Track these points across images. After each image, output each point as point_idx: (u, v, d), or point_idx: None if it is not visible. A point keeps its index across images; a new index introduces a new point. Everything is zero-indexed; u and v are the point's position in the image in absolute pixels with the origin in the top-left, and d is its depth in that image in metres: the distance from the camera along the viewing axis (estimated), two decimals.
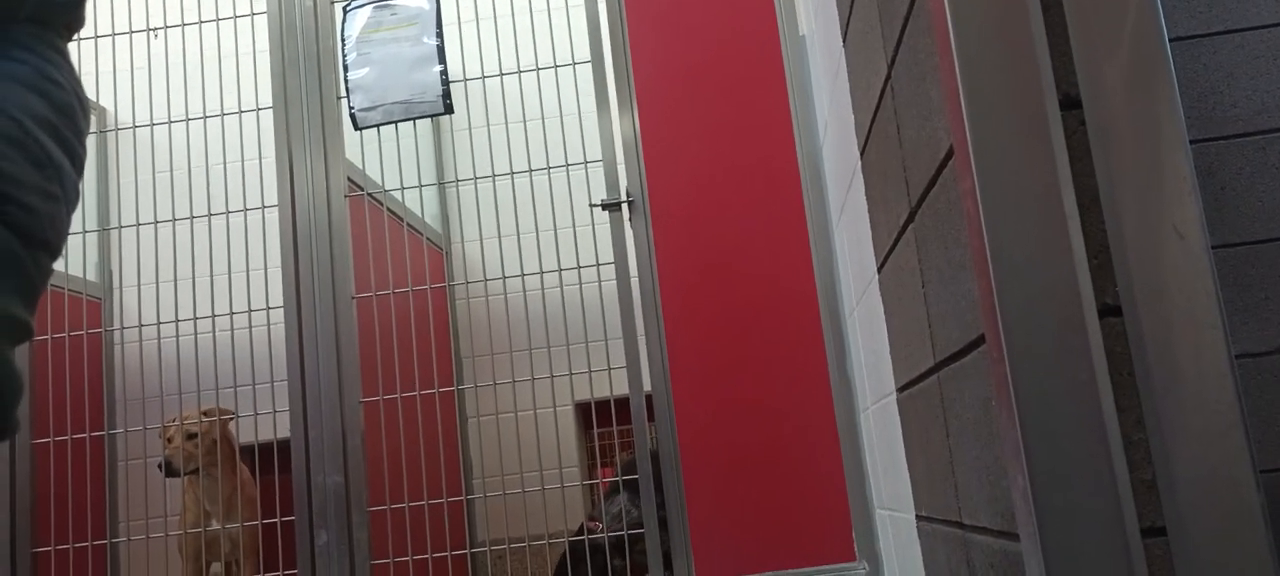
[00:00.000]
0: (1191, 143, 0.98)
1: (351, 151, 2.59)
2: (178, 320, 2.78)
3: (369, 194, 2.71)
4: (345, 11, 2.54)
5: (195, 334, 2.69)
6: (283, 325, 2.44)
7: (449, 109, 2.48)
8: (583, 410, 3.53)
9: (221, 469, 2.80)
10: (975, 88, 0.84)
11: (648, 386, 2.32)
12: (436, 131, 3.67)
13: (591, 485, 3.44)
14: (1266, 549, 0.74)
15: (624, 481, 2.64)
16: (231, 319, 2.63)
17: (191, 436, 2.76)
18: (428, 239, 3.30)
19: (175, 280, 2.89)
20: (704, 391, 2.27)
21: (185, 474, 2.77)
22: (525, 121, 3.02)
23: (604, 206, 2.39)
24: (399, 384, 2.66)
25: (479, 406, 3.48)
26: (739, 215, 2.33)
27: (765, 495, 2.23)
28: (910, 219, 1.21)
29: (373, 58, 2.47)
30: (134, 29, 2.76)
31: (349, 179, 2.54)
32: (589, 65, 2.45)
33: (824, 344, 2.25)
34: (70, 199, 0.86)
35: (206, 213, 2.79)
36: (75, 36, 0.94)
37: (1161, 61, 0.80)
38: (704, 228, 2.33)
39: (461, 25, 3.39)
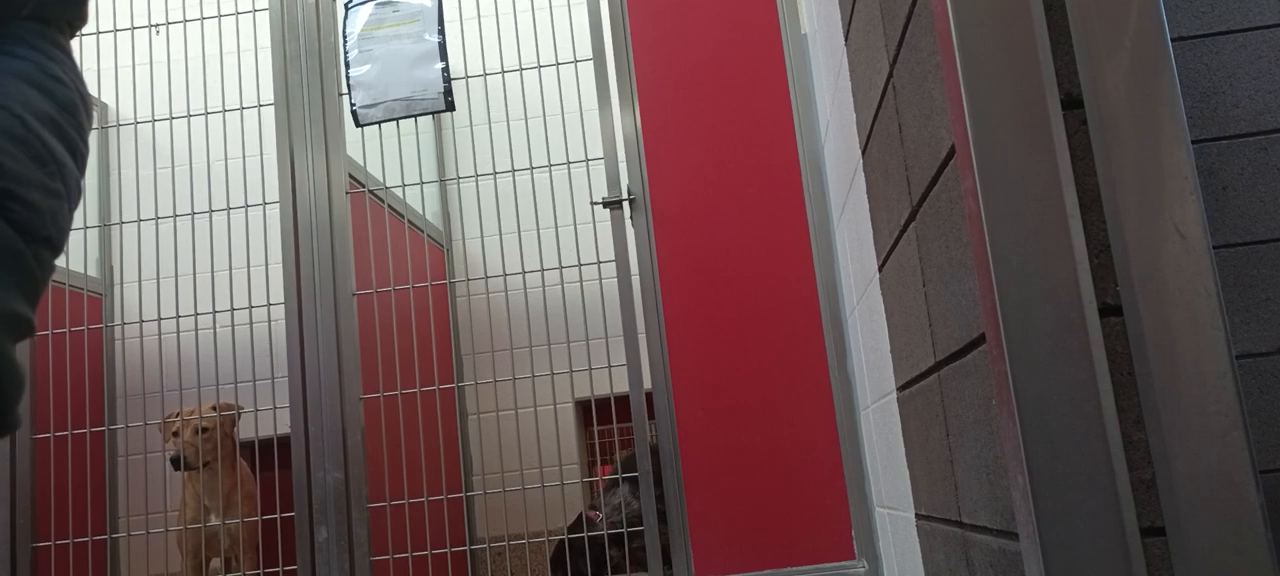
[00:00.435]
0: (1193, 142, 0.98)
1: (353, 148, 2.59)
2: (178, 316, 2.78)
3: (370, 190, 2.71)
4: (347, 8, 2.54)
5: (196, 330, 2.69)
6: (283, 321, 2.44)
7: (450, 106, 2.48)
8: (583, 408, 3.53)
9: (221, 464, 2.81)
10: (977, 87, 0.84)
11: (648, 384, 2.32)
12: (438, 128, 3.67)
13: (591, 483, 3.44)
14: (1265, 549, 0.74)
15: (624, 476, 2.64)
16: (232, 315, 2.63)
17: (203, 431, 2.76)
18: (428, 236, 3.30)
19: (176, 276, 2.90)
20: (704, 389, 2.28)
21: (198, 467, 2.77)
22: (526, 119, 3.02)
23: (605, 204, 2.39)
24: (399, 380, 2.66)
25: (479, 403, 3.49)
26: (740, 213, 2.33)
27: (765, 493, 2.23)
28: (911, 217, 1.21)
29: (374, 54, 2.47)
30: (136, 25, 2.76)
31: (350, 175, 2.54)
32: (590, 63, 2.45)
33: (824, 342, 2.25)
34: (72, 195, 0.86)
35: (207, 209, 2.79)
36: (78, 33, 0.94)
37: (1163, 61, 0.80)
38: (705, 226, 2.33)
39: (463, 22, 3.39)
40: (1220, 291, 0.77)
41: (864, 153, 1.57)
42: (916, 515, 1.50)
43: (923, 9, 1.00)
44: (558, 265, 2.66)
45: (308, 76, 2.53)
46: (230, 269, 2.67)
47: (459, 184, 3.58)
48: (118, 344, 3.26)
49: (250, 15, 2.92)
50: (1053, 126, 0.81)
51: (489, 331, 3.46)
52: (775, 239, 2.31)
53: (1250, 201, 1.00)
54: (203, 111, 2.79)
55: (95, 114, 3.04)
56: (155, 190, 2.85)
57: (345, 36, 2.50)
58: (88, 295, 3.08)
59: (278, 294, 2.50)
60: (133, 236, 3.27)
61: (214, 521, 2.80)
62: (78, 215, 1.04)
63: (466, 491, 3.28)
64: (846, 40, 1.62)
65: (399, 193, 2.98)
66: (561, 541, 2.74)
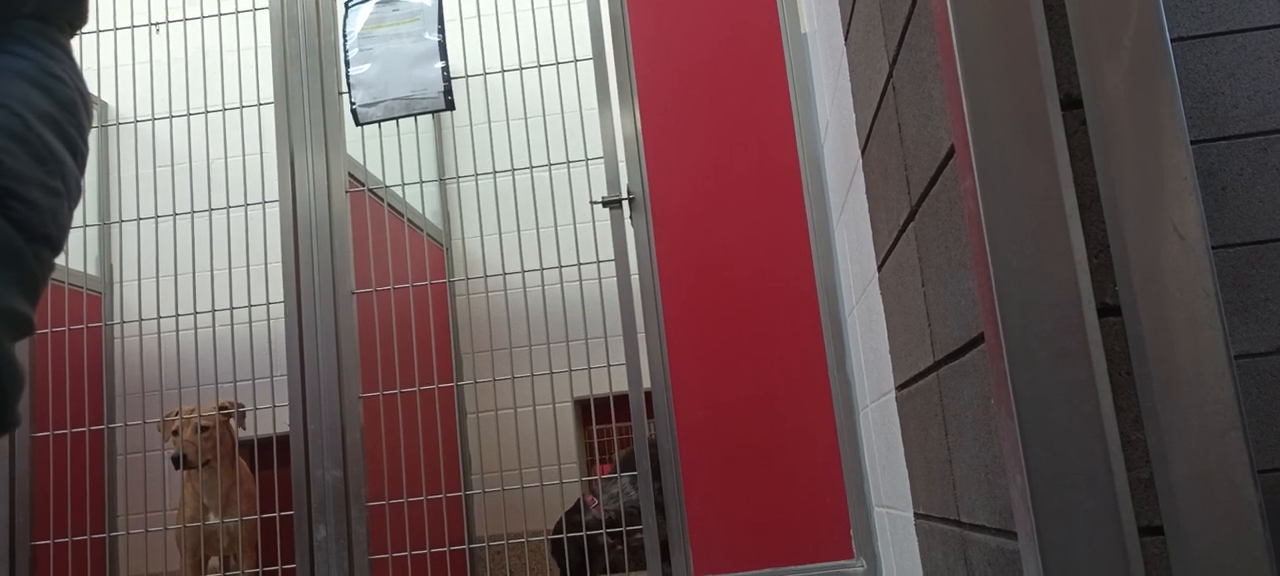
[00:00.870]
0: (1192, 143, 0.98)
1: (352, 147, 2.59)
2: (178, 315, 2.78)
3: (370, 189, 2.71)
4: (347, 7, 2.54)
5: (195, 328, 2.69)
6: (283, 320, 2.44)
7: (450, 105, 2.48)
8: (582, 407, 3.53)
9: (221, 463, 2.81)
10: (976, 87, 0.84)
11: (647, 383, 2.32)
12: (437, 127, 3.67)
13: (590, 482, 3.44)
14: (1263, 548, 0.74)
15: (623, 471, 2.65)
16: (231, 314, 2.63)
17: (204, 429, 2.76)
18: (428, 235, 3.30)
19: (175, 275, 2.89)
20: (703, 388, 2.28)
21: (198, 466, 2.77)
22: (526, 118, 3.02)
23: (604, 203, 2.39)
24: (399, 379, 2.66)
25: (478, 402, 3.49)
26: (739, 212, 2.33)
27: (764, 492, 2.23)
28: (911, 217, 1.21)
29: (374, 53, 2.47)
30: (135, 24, 2.76)
31: (350, 174, 2.54)
32: (590, 62, 2.45)
33: (823, 341, 2.26)
34: (72, 194, 0.86)
35: (207, 207, 2.79)
36: (78, 32, 0.94)
37: (1163, 62, 0.80)
38: (704, 225, 2.33)
39: (463, 21, 3.39)
40: (1219, 291, 0.77)
41: (863, 153, 1.57)
42: (915, 514, 1.50)
43: (923, 9, 1.00)
44: (557, 264, 2.66)
45: (308, 75, 2.53)
46: (230, 267, 2.67)
47: (459, 183, 3.58)
48: (117, 342, 3.26)
49: (250, 14, 2.92)
50: (1052, 127, 0.81)
51: (488, 330, 3.46)
52: (775, 239, 2.31)
53: (1249, 202, 1.00)
54: (203, 110, 2.79)
55: (95, 112, 3.04)
56: (155, 189, 2.85)
57: (345, 35, 2.50)
58: (87, 293, 3.08)
59: (277, 293, 2.50)
60: (132, 235, 3.26)
61: (213, 520, 2.80)
62: (77, 213, 1.04)
63: (466, 490, 3.28)
64: (846, 40, 1.62)
65: (399, 192, 2.98)
66: (559, 521, 2.73)
